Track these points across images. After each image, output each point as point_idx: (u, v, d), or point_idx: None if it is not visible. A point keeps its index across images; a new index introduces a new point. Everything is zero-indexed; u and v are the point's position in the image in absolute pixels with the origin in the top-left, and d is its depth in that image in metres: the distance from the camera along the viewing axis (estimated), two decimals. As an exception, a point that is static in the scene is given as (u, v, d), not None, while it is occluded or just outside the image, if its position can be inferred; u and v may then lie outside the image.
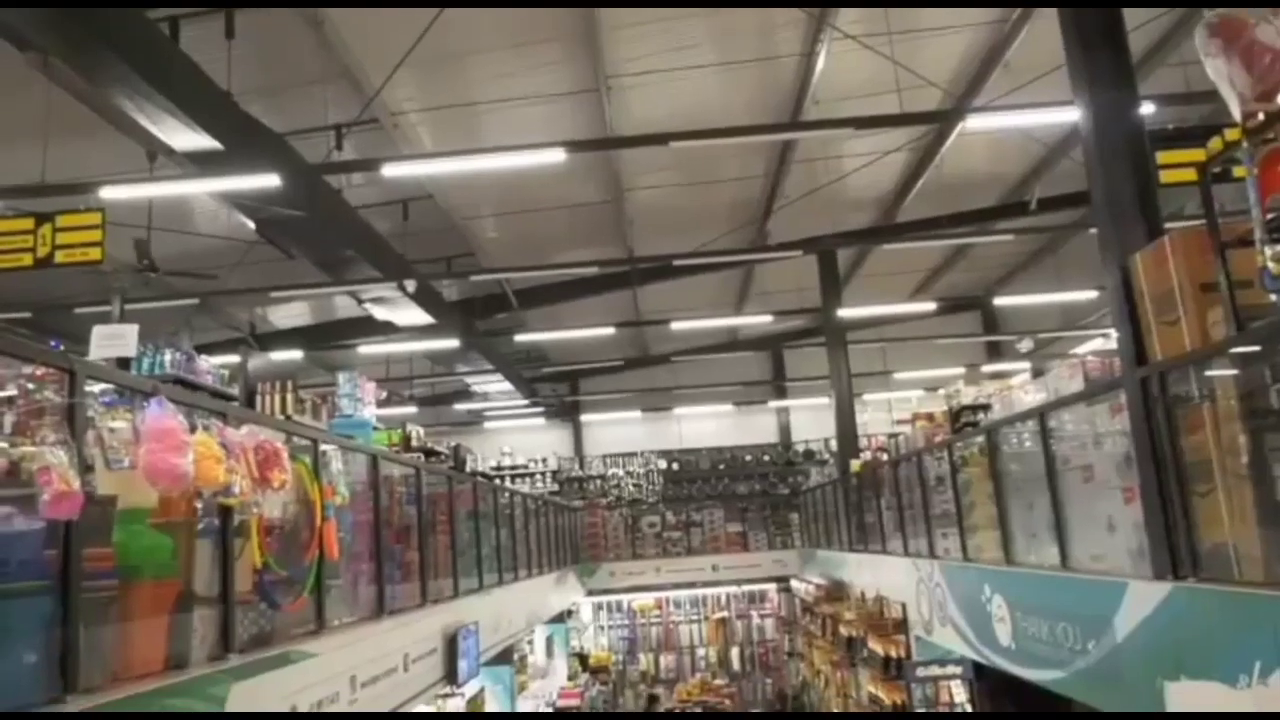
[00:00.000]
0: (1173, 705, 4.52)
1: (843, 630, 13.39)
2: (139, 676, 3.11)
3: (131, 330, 5.29)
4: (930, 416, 11.04)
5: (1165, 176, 5.55)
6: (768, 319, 17.62)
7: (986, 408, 9.15)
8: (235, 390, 7.57)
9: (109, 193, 7.76)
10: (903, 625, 10.35)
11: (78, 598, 2.68)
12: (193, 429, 3.31)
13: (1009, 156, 13.00)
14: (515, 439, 23.95)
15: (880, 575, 11.47)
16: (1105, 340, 15.91)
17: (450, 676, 6.88)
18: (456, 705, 10.39)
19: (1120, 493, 5.21)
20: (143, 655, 3.20)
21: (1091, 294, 14.86)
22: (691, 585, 20.32)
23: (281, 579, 4.27)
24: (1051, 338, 19.81)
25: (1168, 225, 5.04)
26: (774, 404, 23.79)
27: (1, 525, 2.58)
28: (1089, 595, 5.32)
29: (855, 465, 13.59)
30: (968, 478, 8.05)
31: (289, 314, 16.39)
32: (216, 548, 3.65)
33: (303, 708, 4.17)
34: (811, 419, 23.07)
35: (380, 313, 12.43)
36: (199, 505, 3.58)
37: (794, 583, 19.37)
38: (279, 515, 4.27)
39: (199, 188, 8.41)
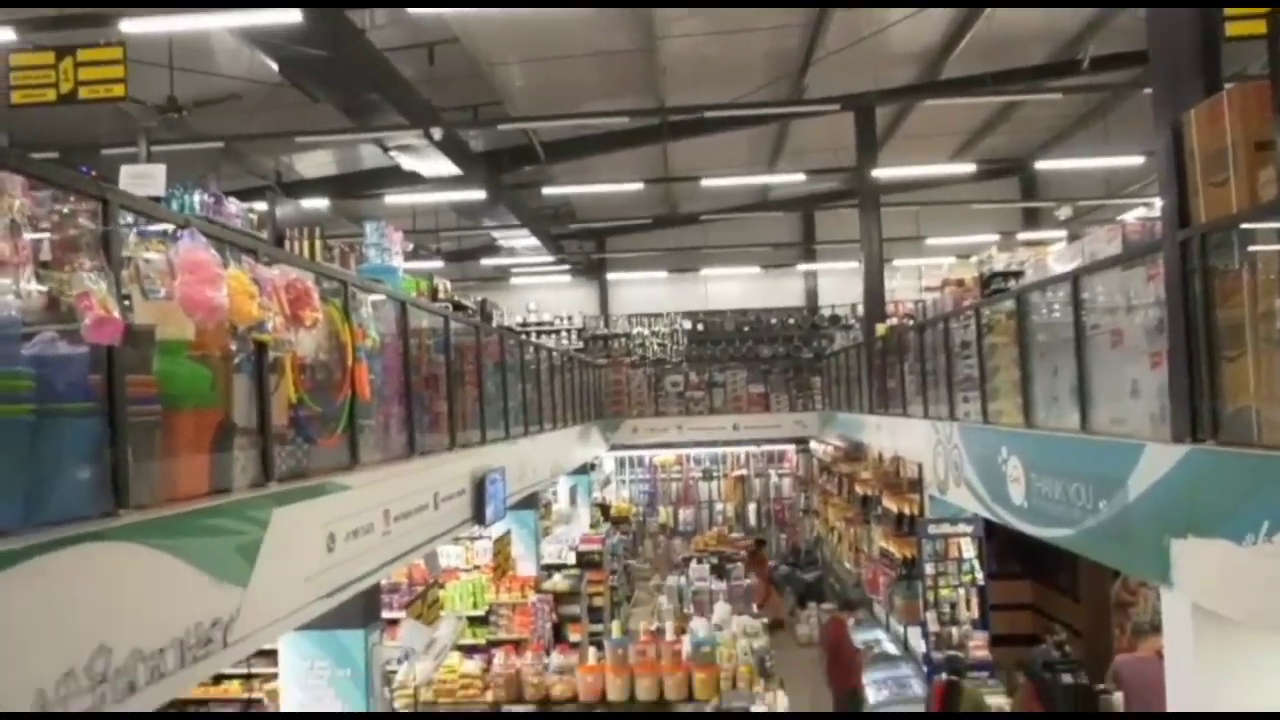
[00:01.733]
0: (1177, 561, 4.65)
1: (858, 489, 13.75)
2: (186, 498, 3.27)
3: (159, 170, 5.27)
4: (960, 282, 10.92)
5: (1232, 29, 5.24)
6: (800, 178, 17.24)
7: (1019, 274, 9.03)
8: (264, 236, 7.61)
9: (129, 25, 7.56)
10: (918, 485, 10.61)
11: (124, 419, 2.79)
12: (225, 265, 3.35)
13: (1063, 10, 12.28)
14: (541, 296, 24.08)
15: (898, 437, 11.67)
16: (1147, 210, 15.48)
17: (478, 517, 7.18)
18: (484, 546, 10.94)
19: (1148, 357, 5.20)
20: (188, 480, 3.36)
21: (1137, 160, 14.34)
22: (712, 443, 20.81)
23: (316, 415, 4.41)
24: (1092, 206, 19.27)
25: (1228, 85, 4.80)
26: (802, 267, 23.58)
27: (46, 349, 2.66)
28: (1105, 456, 5.39)
29: (881, 329, 13.58)
30: (993, 342, 8.05)
31: (315, 163, 16.23)
32: (253, 382, 3.76)
33: (340, 536, 4.40)
34: (839, 283, 22.91)
35: (407, 162, 12.28)
36: (234, 343, 3.67)
37: (813, 444, 19.77)
38: (312, 355, 4.36)
39: (218, 21, 8.16)
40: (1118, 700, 8.64)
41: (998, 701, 8.79)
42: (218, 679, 10.23)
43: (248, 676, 10.25)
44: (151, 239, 3.09)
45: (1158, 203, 5.05)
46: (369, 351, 4.93)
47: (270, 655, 9.92)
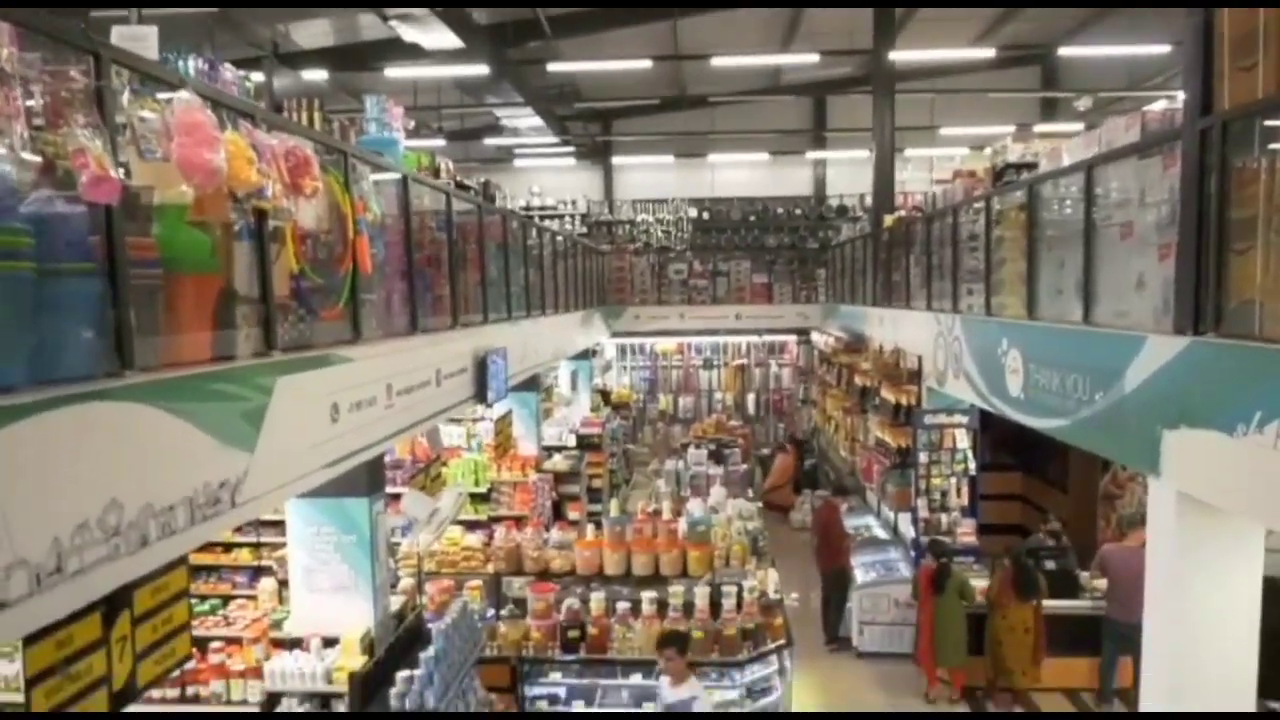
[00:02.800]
0: (1167, 451, 4.73)
1: (858, 380, 13.87)
2: (189, 364, 3.30)
3: (151, 31, 5.08)
4: (972, 174, 10.71)
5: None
6: (814, 59, 16.63)
7: (1033, 166, 8.84)
8: (261, 105, 7.41)
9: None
10: (917, 376, 10.69)
11: (126, 279, 2.78)
12: (222, 129, 3.28)
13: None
14: (545, 179, 23.69)
15: (900, 330, 11.68)
16: (1169, 103, 15.03)
17: (480, 396, 7.25)
18: (486, 427, 11.11)
19: (1156, 250, 5.15)
20: (191, 345, 3.37)
21: (1163, 49, 13.83)
22: (714, 332, 20.87)
23: (318, 288, 4.40)
24: (1112, 98, 18.71)
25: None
26: (811, 155, 23.10)
27: (44, 207, 2.63)
28: (1106, 348, 5.41)
29: (888, 221, 13.41)
30: (1001, 235, 7.96)
31: (313, 33, 15.67)
32: (253, 250, 3.74)
33: (344, 407, 4.46)
34: (848, 173, 22.51)
35: (407, 32, 11.84)
36: (233, 210, 3.62)
37: (814, 335, 19.83)
38: (312, 225, 4.32)
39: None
40: (1100, 585, 8.96)
41: (980, 584, 9.10)
42: (228, 547, 10.60)
43: (256, 545, 10.61)
44: (146, 95, 3.00)
45: (1180, 95, 4.90)
46: (371, 226, 4.88)
47: (278, 525, 10.25)
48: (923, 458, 10.20)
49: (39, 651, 2.74)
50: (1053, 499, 12.82)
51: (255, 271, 3.74)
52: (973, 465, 10.25)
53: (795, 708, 7.95)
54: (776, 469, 17.09)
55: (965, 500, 10.29)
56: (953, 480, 10.25)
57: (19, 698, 4.87)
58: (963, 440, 10.18)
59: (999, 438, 13.56)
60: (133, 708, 5.04)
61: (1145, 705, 5.46)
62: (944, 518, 10.19)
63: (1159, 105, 15.73)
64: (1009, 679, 8.88)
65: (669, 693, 6.11)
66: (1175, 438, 4.64)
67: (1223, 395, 4.16)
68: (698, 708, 5.94)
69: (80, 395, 2.59)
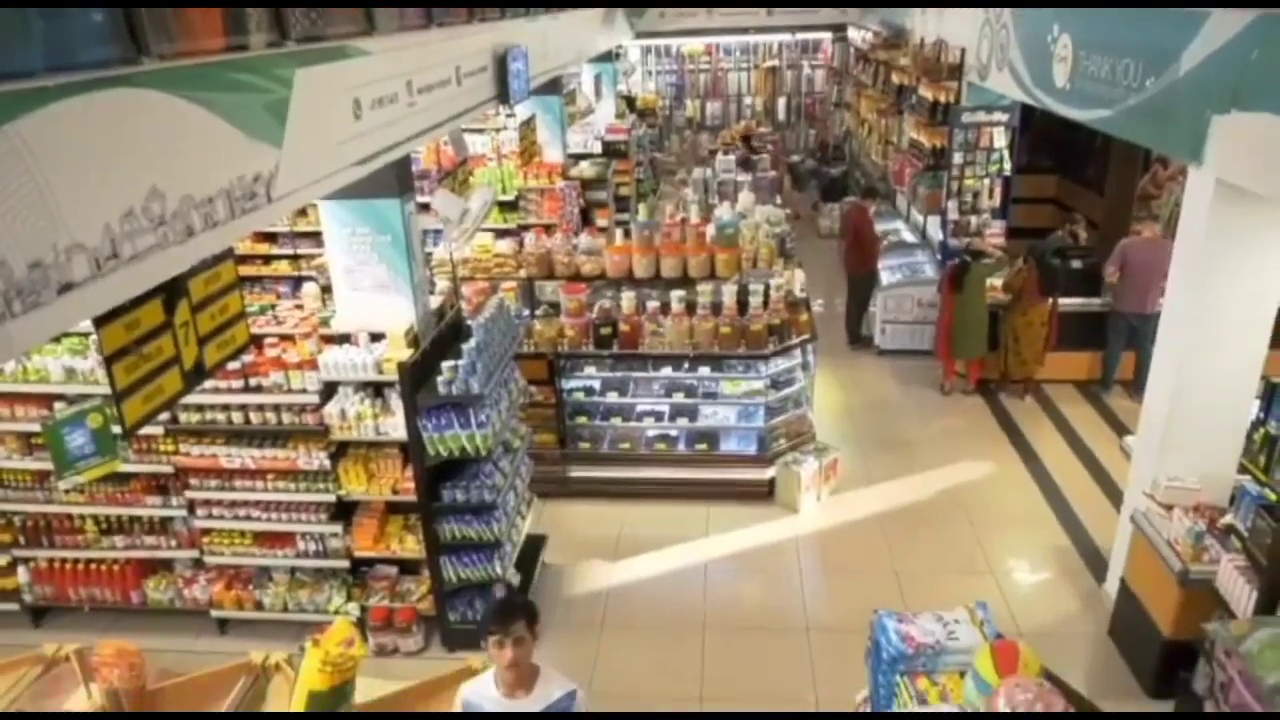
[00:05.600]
0: (1213, 137, 4.58)
1: (895, 79, 13.22)
2: (203, 51, 3.20)
3: None
4: None
5: None
6: None
7: None
8: None
9: None
10: (958, 71, 10.16)
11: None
12: None
13: None
14: None
15: (944, 21, 10.94)
16: None
17: (502, 96, 7.05)
18: (510, 136, 10.89)
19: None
20: (203, 29, 3.24)
21: None
22: (744, 31, 19.64)
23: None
24: None
25: None
26: None
27: None
28: (1164, 28, 5.05)
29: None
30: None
31: None
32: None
33: (365, 103, 4.37)
34: None
35: None
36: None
37: (851, 31, 18.64)
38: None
39: None
40: (1114, 280, 9.07)
41: (996, 282, 9.26)
42: (267, 259, 10.94)
43: (295, 256, 10.94)
44: None
45: None
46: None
47: (314, 236, 10.46)
48: (957, 158, 9.96)
49: (111, 332, 2.94)
50: (1087, 201, 12.65)
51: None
52: (1008, 166, 10.01)
53: (816, 398, 8.46)
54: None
55: (997, 202, 10.17)
56: (986, 182, 10.07)
57: (102, 386, 5.30)
58: (1000, 139, 9.87)
59: (1037, 138, 13.13)
60: (204, 396, 5.49)
61: (1151, 396, 5.74)
62: (974, 220, 10.14)
63: None
64: (1022, 370, 9.31)
65: (505, 703, 3.45)
66: (1223, 123, 4.47)
67: (1282, 73, 3.95)
68: (580, 706, 3.48)
69: (103, 81, 2.55)
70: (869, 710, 4.09)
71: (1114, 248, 8.94)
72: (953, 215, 10.15)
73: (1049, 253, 9.35)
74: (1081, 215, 10.74)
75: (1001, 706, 3.02)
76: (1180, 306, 5.30)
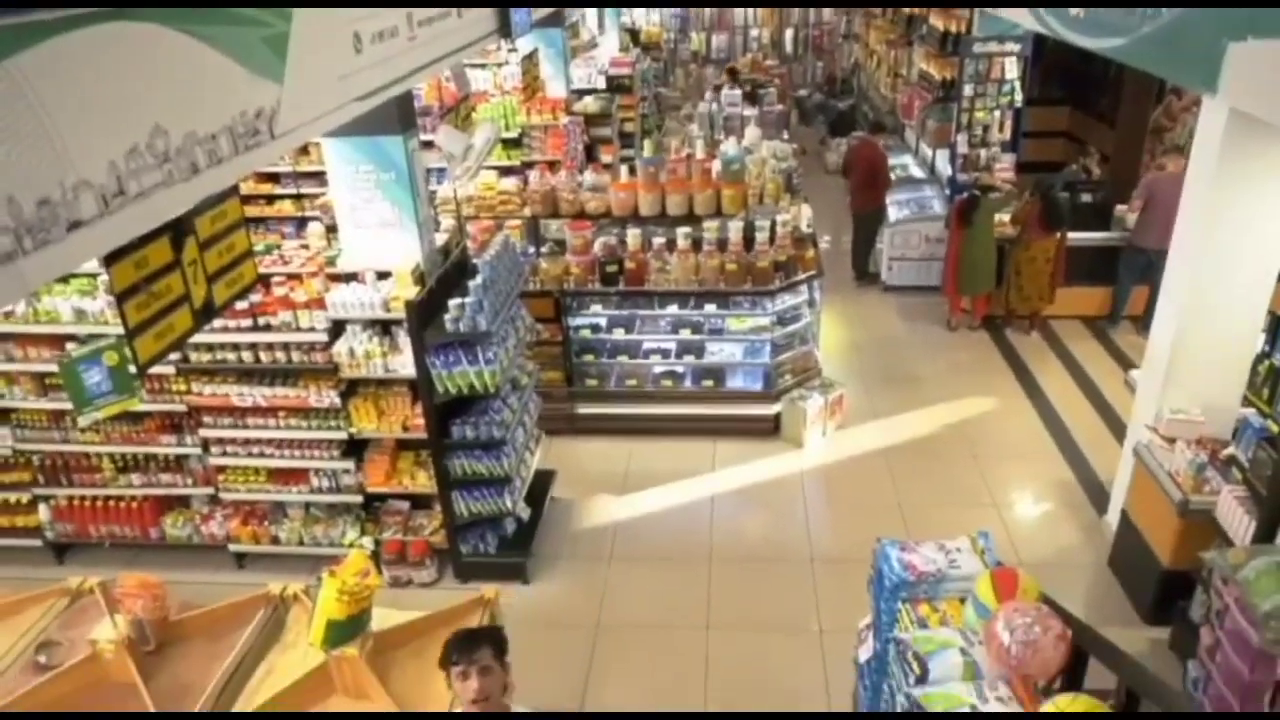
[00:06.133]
0: (1229, 65, 4.50)
1: (904, 9, 12.94)
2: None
3: None
4: None
5: None
6: None
7: None
8: None
9: None
10: (969, -2, 9.94)
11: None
12: None
13: None
14: None
15: (957, -55, 10.66)
16: None
17: (503, 30, 6.92)
18: (512, 71, 10.72)
19: None
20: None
21: None
22: (751, -40, 19.18)
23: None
24: None
25: None
26: None
27: None
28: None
29: None
30: None
31: None
32: None
33: (365, 37, 4.31)
34: None
35: None
36: None
37: (861, -41, 18.15)
38: None
39: None
40: (1131, 219, 8.99)
41: (1005, 217, 9.19)
42: (270, 199, 10.90)
43: (298, 196, 10.90)
44: None
45: None
46: None
47: (317, 176, 10.40)
48: (967, 90, 9.80)
49: (121, 270, 2.96)
50: (1099, 134, 12.46)
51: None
52: (1019, 98, 9.85)
53: (822, 334, 8.48)
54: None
55: (1008, 135, 10.03)
56: (996, 114, 9.92)
57: (112, 327, 5.34)
58: (1011, 70, 9.69)
59: (1049, 69, 12.88)
60: (214, 335, 5.53)
61: (1157, 328, 5.73)
62: (983, 153, 10.02)
63: None
64: (1025, 305, 9.29)
65: None
66: (1239, 50, 4.38)
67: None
68: None
69: (102, 15, 2.53)
70: (870, 634, 4.20)
71: (1128, 183, 8.85)
72: (962, 149, 10.03)
73: (1058, 186, 9.25)
74: (1094, 149, 10.60)
75: (1000, 630, 3.11)
76: (1190, 238, 5.28)
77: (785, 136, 11.81)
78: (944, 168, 10.86)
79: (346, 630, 3.85)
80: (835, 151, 15.50)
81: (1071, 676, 3.41)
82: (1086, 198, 9.43)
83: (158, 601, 4.27)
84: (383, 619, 4.23)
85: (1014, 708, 3.08)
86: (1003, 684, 3.20)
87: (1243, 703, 3.94)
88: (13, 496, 6.42)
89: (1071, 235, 9.04)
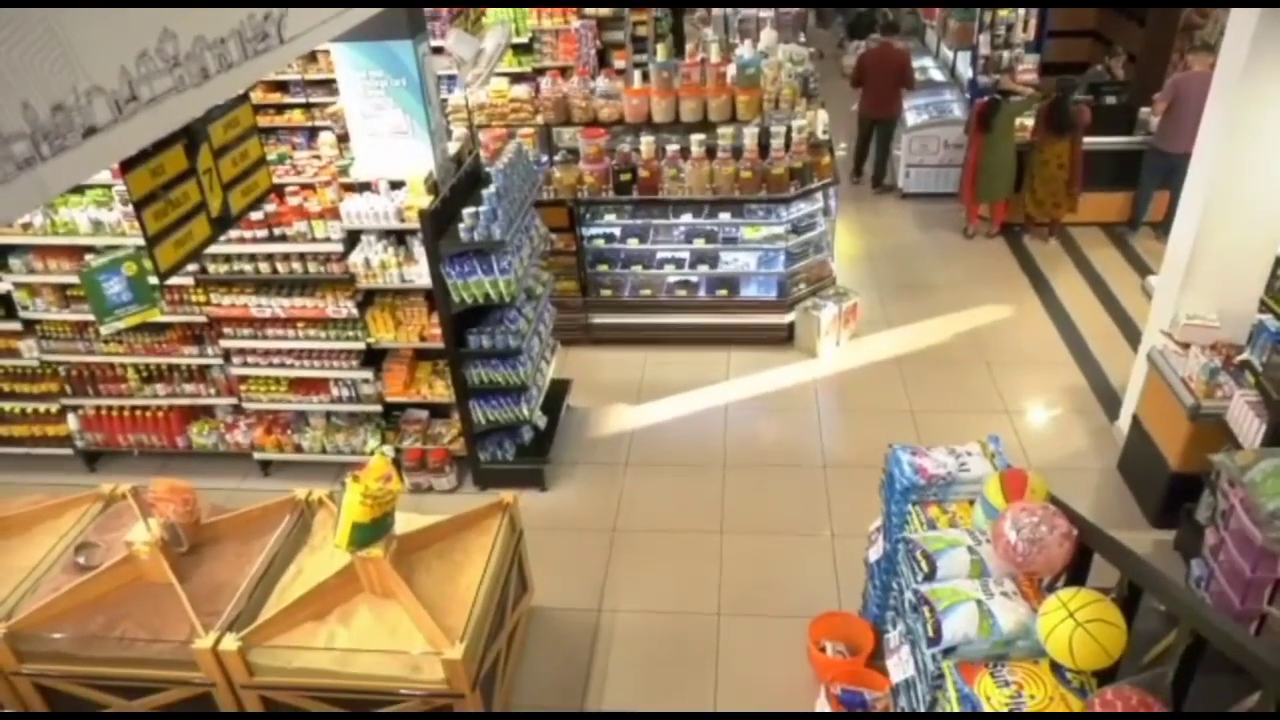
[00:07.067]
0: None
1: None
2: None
3: None
4: None
5: None
6: None
7: None
8: None
9: None
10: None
11: None
12: None
13: None
14: None
15: None
16: None
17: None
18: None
19: None
20: None
21: None
22: None
23: None
24: None
25: None
26: None
27: None
28: None
29: None
30: None
31: None
32: None
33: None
34: None
35: None
36: None
37: None
38: None
39: None
40: (1154, 123, 8.76)
41: (1029, 123, 8.97)
42: (280, 108, 10.76)
43: (307, 105, 10.75)
44: None
45: None
46: None
47: (326, 84, 10.23)
48: (992, -14, 9.46)
49: (137, 178, 2.97)
50: (1128, 32, 12.04)
51: None
52: (1046, -7, 9.50)
53: (837, 242, 8.41)
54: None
55: (1031, 35, 9.72)
56: (1020, 13, 9.59)
57: (129, 239, 5.37)
58: (1039, -36, 9.33)
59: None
60: (231, 246, 5.55)
61: (1177, 231, 5.66)
62: (1006, 54, 9.73)
63: None
64: (1040, 211, 9.15)
65: None
66: (1278, -62, 4.22)
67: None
68: None
69: (103, -87, 2.48)
70: (880, 536, 4.31)
71: (1151, 84, 8.58)
72: (984, 50, 9.73)
73: (1079, 88, 8.98)
74: (1121, 49, 10.27)
75: (1007, 528, 3.19)
76: (1215, 138, 5.16)
77: (802, 39, 11.49)
78: (965, 70, 10.57)
79: (371, 533, 3.98)
80: (853, 55, 15.03)
81: (1076, 573, 3.51)
82: (1110, 100, 9.18)
83: (188, 506, 4.42)
84: (405, 523, 4.38)
85: (1019, 602, 3.18)
86: (1008, 579, 3.30)
87: (1244, 599, 4.05)
88: (42, 406, 6.57)
89: (1093, 139, 8.83)
